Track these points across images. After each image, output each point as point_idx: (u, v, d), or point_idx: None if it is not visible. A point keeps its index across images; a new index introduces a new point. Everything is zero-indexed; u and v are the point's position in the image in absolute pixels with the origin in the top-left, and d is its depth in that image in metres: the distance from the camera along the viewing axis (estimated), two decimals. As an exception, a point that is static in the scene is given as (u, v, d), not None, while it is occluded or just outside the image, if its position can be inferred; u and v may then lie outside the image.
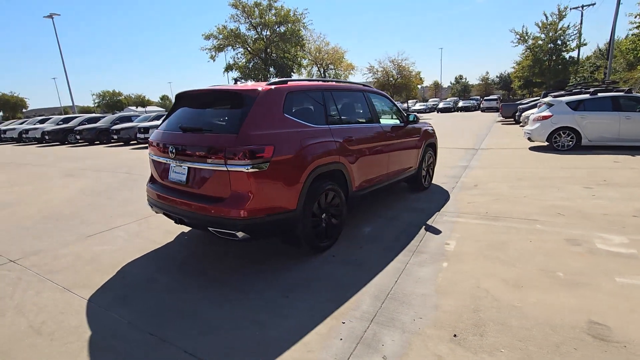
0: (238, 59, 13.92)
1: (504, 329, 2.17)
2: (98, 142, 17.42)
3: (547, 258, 3.07)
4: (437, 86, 68.52)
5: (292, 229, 3.08)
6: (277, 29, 13.19)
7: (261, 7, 13.57)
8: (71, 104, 34.09)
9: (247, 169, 2.69)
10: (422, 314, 2.38)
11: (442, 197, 5.20)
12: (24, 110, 43.35)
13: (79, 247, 3.78)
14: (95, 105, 45.08)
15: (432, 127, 5.92)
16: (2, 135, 22.21)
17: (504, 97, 52.97)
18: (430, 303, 2.50)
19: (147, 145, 7.53)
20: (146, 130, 14.46)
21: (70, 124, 19.46)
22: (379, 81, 27.03)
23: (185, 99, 3.46)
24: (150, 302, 2.67)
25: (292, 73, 14.98)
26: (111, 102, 44.62)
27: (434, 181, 6.13)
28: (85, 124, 18.75)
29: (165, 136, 3.22)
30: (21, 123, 23.56)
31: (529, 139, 9.37)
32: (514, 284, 2.68)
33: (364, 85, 4.51)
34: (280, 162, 2.86)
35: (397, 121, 4.90)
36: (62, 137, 18.78)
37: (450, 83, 74.38)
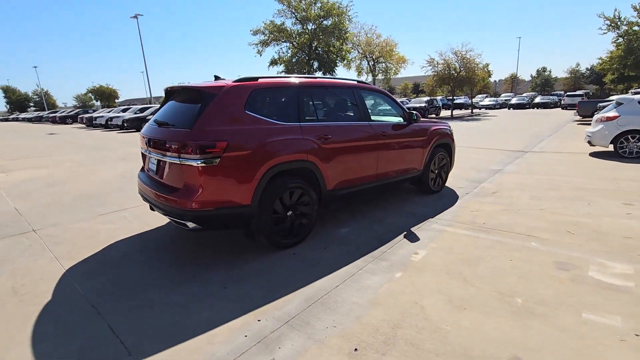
0: (283, 53, 14.29)
1: (412, 351, 2.01)
2: (164, 130, 19.29)
3: (517, 280, 2.71)
4: (514, 79, 62.29)
5: (246, 224, 3.16)
6: (322, 23, 13.18)
7: (307, 1, 13.63)
8: (156, 95, 38.42)
9: (197, 163, 2.83)
10: (339, 322, 2.30)
11: (447, 202, 4.83)
12: (116, 100, 49.99)
13: (88, 223, 4.33)
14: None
15: (448, 127, 5.49)
16: (94, 122, 25.82)
17: (595, 93, 46.25)
18: (355, 313, 2.40)
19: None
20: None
21: (144, 114, 21.85)
22: (439, 74, 25.46)
23: (171, 94, 3.71)
24: (113, 278, 2.98)
25: (336, 67, 14.90)
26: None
27: (450, 185, 5.71)
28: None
29: (147, 129, 3.50)
30: (109, 111, 27.11)
31: (589, 142, 8.13)
32: (459, 304, 2.44)
33: (358, 82, 4.36)
34: (233, 158, 2.95)
35: (397, 120, 4.66)
36: (137, 124, 21.17)
37: (531, 76, 67.14)
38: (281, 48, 13.86)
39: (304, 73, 13.92)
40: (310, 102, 3.68)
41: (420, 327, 2.22)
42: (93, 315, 2.45)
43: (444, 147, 5.36)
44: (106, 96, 45.21)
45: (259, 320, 2.35)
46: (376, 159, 4.17)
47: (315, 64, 13.97)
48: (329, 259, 3.22)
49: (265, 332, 2.23)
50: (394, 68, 17.51)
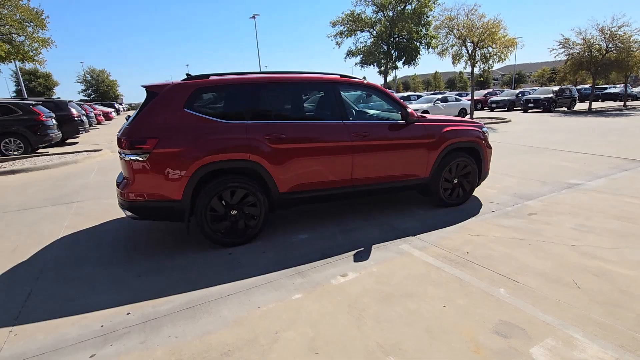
0: (361, 42, 13.66)
1: (208, 385, 1.79)
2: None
3: (420, 335, 2.10)
4: None
5: (179, 218, 3.26)
6: (402, 8, 12.06)
7: (384, -14, 12.62)
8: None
9: (129, 158, 3.06)
10: (186, 334, 2.21)
11: (452, 218, 3.99)
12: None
13: (115, 200, 5.14)
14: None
15: (477, 128, 4.49)
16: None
17: None
18: (209, 328, 2.26)
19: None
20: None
21: None
22: (573, 58, 20.55)
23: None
24: (79, 250, 3.50)
25: (418, 56, 13.46)
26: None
27: (486, 197, 4.71)
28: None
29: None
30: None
31: None
32: (316, 346, 2.04)
33: (342, 76, 3.93)
34: (163, 155, 3.07)
35: (392, 119, 4.04)
36: None
37: None
38: (358, 38, 13.38)
39: (382, 63, 13.18)
40: (266, 100, 3.51)
41: (248, 361, 1.95)
42: (33, 280, 2.96)
43: (469, 152, 4.41)
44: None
45: (128, 314, 2.45)
46: (351, 161, 3.72)
47: (395, 53, 12.95)
48: (255, 266, 3.08)
49: (119, 327, 2.31)
50: (499, 53, 14.71)
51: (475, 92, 33.52)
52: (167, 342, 2.15)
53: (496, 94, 29.25)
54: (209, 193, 3.24)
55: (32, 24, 7.60)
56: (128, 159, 3.07)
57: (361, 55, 13.00)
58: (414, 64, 12.94)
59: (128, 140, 3.05)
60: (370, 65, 13.16)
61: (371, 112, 4.69)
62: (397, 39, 12.42)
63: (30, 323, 2.38)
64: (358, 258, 3.15)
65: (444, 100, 18.38)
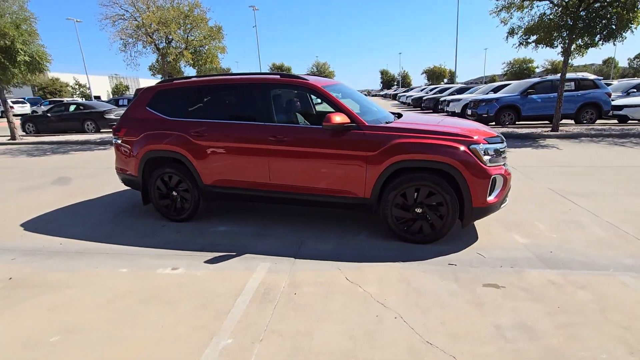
0: (531, 17, 9.84)
1: (-5, 298, 2.69)
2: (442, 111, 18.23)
3: (97, 330, 2.20)
4: None
5: (138, 189, 4.25)
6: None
7: None
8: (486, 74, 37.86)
9: (114, 141, 4.29)
10: (45, 267, 3.18)
11: (377, 254, 3.15)
12: (444, 79, 53.83)
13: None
14: (503, 73, 46.49)
15: (460, 144, 3.14)
16: (398, 99, 30.31)
17: None
18: (57, 269, 3.13)
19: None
20: (477, 104, 12.30)
21: (441, 94, 21.89)
22: None
23: None
24: (122, 199, 5.17)
25: (626, 29, 8.33)
26: (519, 71, 43.87)
27: (487, 246, 3.35)
28: (454, 94, 20.16)
29: None
30: (404, 90, 30.58)
31: None
32: (58, 308, 2.54)
33: (281, 76, 3.73)
34: (127, 141, 4.13)
35: (316, 121, 3.52)
36: (433, 105, 21.77)
37: None
38: (528, 11, 9.80)
39: (566, 40, 9.46)
40: (201, 101, 3.88)
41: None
42: (72, 209, 4.74)
43: (443, 176, 3.20)
44: (437, 76, 49.95)
45: (60, 244, 3.67)
46: (267, 165, 3.60)
47: (582, 26, 8.78)
48: (158, 240, 3.66)
49: (45, 250, 3.52)
50: None
51: None
52: (37, 266, 3.19)
53: None
54: (155, 175, 4.07)
55: (213, 37, 10.56)
56: (113, 142, 4.32)
57: (525, 35, 9.90)
58: (616, 38, 8.68)
59: (113, 128, 4.27)
60: (544, 45, 9.86)
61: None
62: (592, 5, 8.68)
63: (34, 233, 4.00)
64: (212, 260, 3.20)
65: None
